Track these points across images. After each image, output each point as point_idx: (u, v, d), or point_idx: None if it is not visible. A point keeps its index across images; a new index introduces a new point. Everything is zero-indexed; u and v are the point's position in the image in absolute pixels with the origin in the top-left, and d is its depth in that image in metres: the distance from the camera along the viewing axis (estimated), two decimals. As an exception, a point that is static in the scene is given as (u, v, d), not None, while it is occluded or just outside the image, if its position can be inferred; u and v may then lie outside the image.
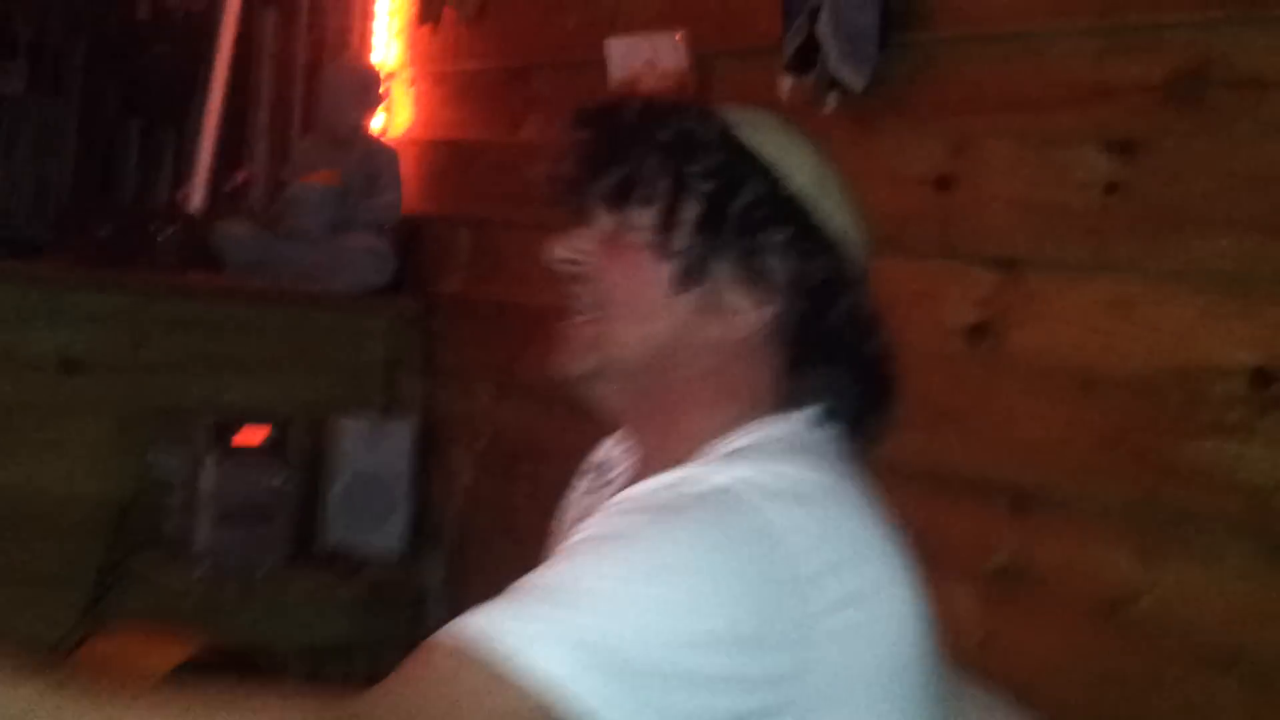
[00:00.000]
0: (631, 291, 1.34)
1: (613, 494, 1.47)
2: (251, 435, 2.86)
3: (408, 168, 3.15)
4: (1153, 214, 1.85)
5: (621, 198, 1.35)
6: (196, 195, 3.07)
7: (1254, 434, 1.73)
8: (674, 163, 1.33)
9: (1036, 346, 1.97)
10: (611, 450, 1.55)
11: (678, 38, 2.52)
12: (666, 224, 1.32)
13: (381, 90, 3.16)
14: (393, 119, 3.26)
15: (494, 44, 3.03)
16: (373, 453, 3.05)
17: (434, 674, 1.11)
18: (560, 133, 1.40)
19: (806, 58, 2.24)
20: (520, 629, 1.09)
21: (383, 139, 3.19)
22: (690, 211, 1.32)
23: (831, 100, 2.22)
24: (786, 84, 2.29)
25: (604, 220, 1.36)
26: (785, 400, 1.35)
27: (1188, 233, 1.81)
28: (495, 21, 3.03)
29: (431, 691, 1.10)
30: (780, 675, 1.15)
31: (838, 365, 1.35)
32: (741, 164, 1.34)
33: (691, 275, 1.32)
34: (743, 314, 1.33)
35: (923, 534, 2.06)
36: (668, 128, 1.35)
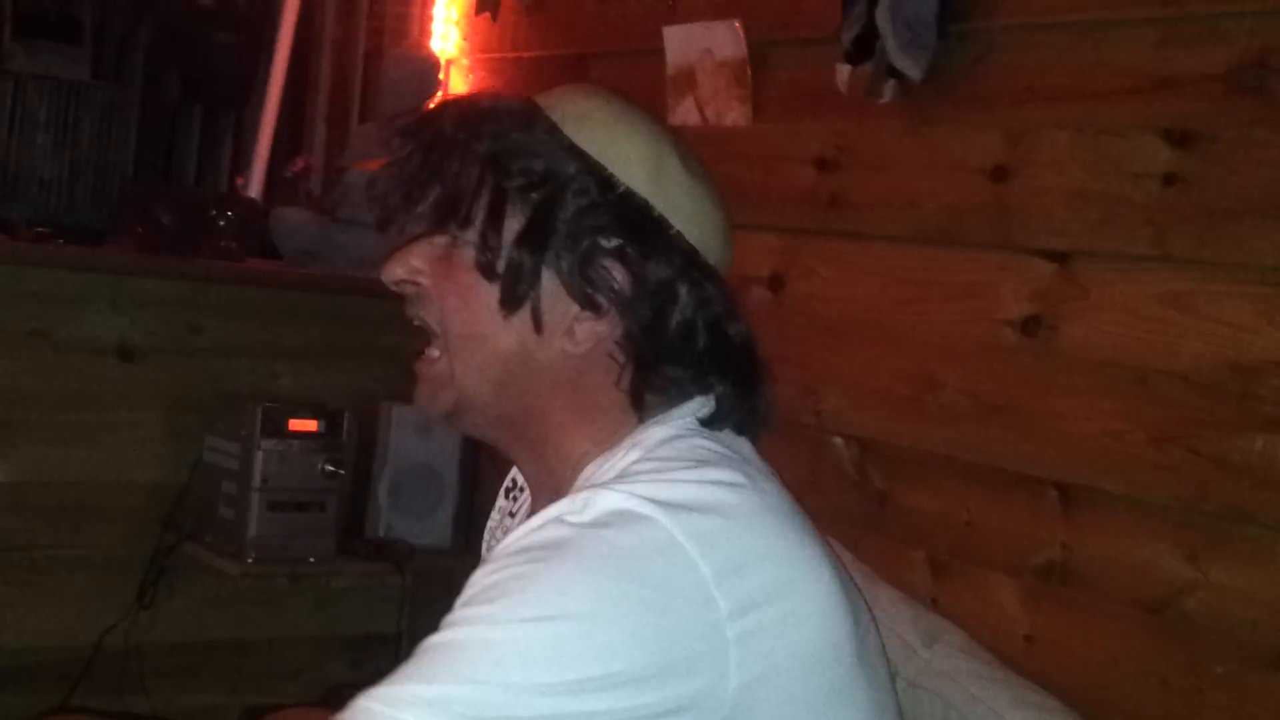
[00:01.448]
0: (466, 317, 1.30)
1: (517, 519, 1.46)
2: (304, 423, 2.87)
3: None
4: (1211, 206, 1.81)
5: (444, 217, 1.29)
6: (255, 182, 3.08)
7: (1309, 430, 1.69)
8: (493, 175, 1.28)
9: (1091, 340, 1.94)
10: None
11: (736, 25, 2.50)
12: (487, 243, 1.27)
13: (440, 78, 3.16)
14: (452, 109, 3.26)
15: (552, 32, 3.02)
16: (423, 442, 3.05)
17: None
18: (383, 151, 1.35)
19: (864, 46, 2.21)
20: (408, 697, 1.09)
21: (441, 128, 3.18)
22: (513, 226, 1.27)
23: (889, 90, 2.20)
24: (844, 73, 2.27)
25: (435, 237, 1.31)
26: (650, 407, 1.31)
27: (1246, 225, 1.78)
28: (553, 10, 3.02)
29: None
30: (697, 694, 1.12)
31: (694, 363, 1.30)
32: (566, 168, 1.27)
33: (519, 294, 1.27)
34: (582, 326, 1.29)
35: (970, 528, 2.06)
36: (486, 137, 1.28)
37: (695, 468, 1.23)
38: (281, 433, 2.83)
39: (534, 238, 1.27)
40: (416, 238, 1.33)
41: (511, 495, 1.55)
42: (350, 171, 3.06)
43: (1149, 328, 1.87)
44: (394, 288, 1.34)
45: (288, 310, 3.07)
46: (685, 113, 2.61)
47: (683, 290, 1.29)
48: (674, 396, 1.31)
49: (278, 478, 2.83)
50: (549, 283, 1.28)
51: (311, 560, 2.90)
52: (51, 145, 2.80)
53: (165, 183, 3.01)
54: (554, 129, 1.29)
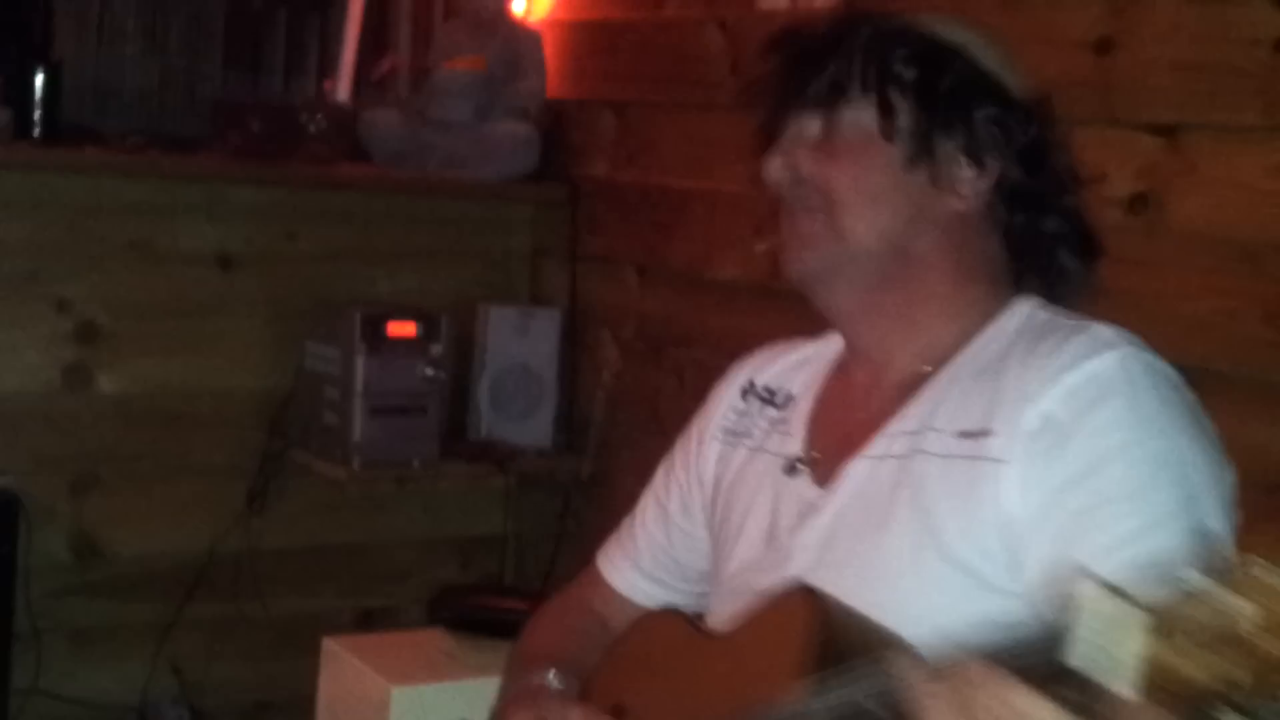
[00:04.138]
0: (860, 180, 1.39)
1: (796, 414, 1.50)
2: (402, 327, 2.87)
3: (551, 50, 3.11)
4: (1324, 71, 1.74)
5: (836, 94, 1.40)
6: (343, 85, 3.06)
7: None
8: (877, 57, 1.39)
9: (1200, 216, 1.89)
10: (766, 371, 1.58)
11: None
12: (886, 109, 1.38)
13: (523, -26, 3.11)
14: (535, 1, 3.21)
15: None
16: (520, 343, 3.04)
17: None
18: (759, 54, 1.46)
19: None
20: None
21: (525, 22, 3.14)
22: (905, 97, 1.39)
23: (986, -37, 2.13)
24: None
25: (810, 127, 1.41)
26: (1009, 276, 1.42)
27: (1361, 89, 1.70)
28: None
29: None
30: None
31: (1054, 227, 1.43)
32: (936, 50, 1.41)
33: (920, 153, 1.38)
34: (970, 184, 1.40)
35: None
36: (861, 29, 1.41)
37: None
38: (380, 338, 2.84)
39: (926, 103, 1.39)
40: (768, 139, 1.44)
41: (755, 396, 1.57)
42: (438, 71, 3.03)
43: (1260, 201, 1.81)
44: (776, 187, 1.44)
45: (382, 214, 3.07)
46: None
47: (1045, 154, 1.43)
48: (1001, 286, 1.43)
49: (379, 382, 2.84)
50: (941, 144, 1.39)
51: (416, 464, 2.92)
52: (140, 55, 2.80)
53: (255, 90, 3.00)
54: (912, 25, 1.43)
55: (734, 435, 1.55)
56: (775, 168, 1.43)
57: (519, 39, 3.06)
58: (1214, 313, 1.86)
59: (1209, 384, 1.84)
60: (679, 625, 1.43)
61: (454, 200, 3.10)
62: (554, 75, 3.10)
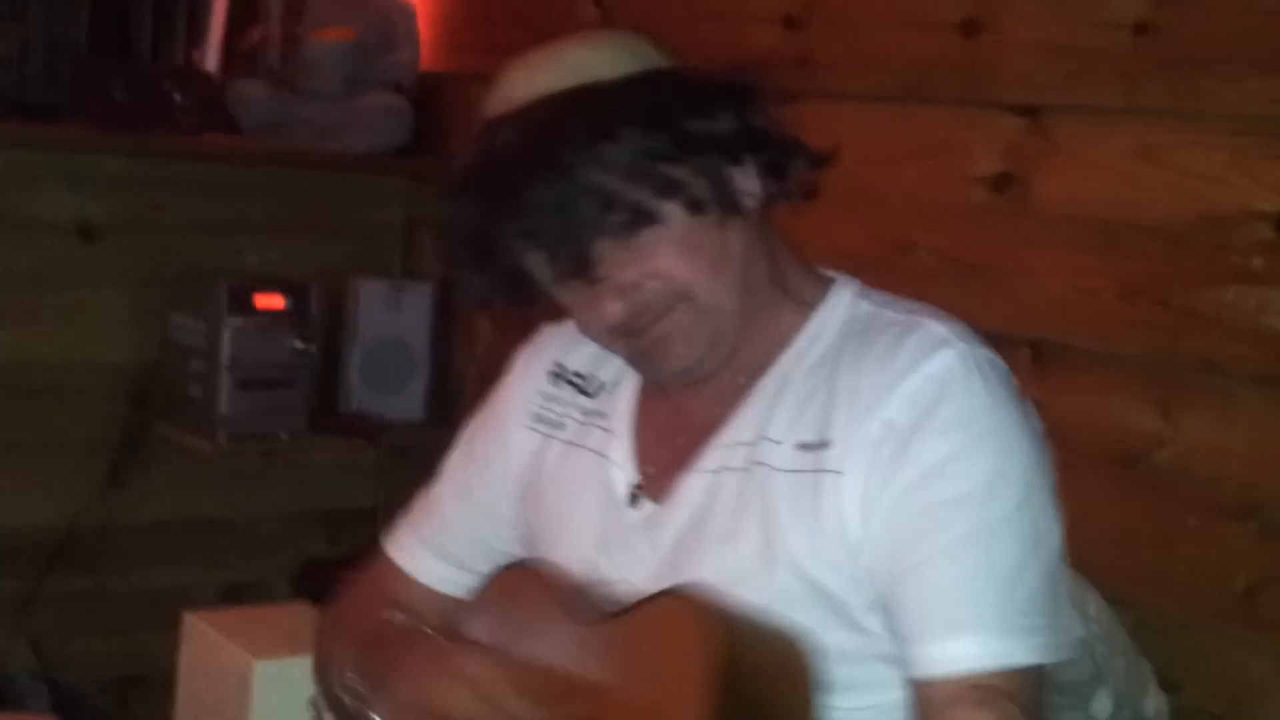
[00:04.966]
0: (698, 261, 1.32)
1: (615, 409, 1.46)
2: (270, 299, 2.84)
3: (424, 22, 3.08)
4: (1183, 55, 1.79)
5: (633, 220, 1.29)
6: (211, 55, 3.01)
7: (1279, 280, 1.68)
8: (625, 161, 1.29)
9: (1062, 195, 1.93)
10: (574, 354, 1.52)
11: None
12: (667, 192, 1.30)
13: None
14: (408, -26, 3.18)
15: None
16: (392, 317, 3.03)
17: None
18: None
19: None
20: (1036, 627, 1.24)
21: (399, -6, 3.12)
22: (660, 165, 1.29)
23: (854, -56, 2.16)
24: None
25: (620, 255, 1.31)
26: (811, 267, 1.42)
27: (1219, 74, 1.75)
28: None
29: None
30: None
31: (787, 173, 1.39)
32: (628, 122, 1.29)
33: (724, 198, 1.33)
34: (753, 194, 1.35)
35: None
36: (584, 150, 1.28)
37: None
38: (248, 310, 2.81)
39: (668, 160, 1.30)
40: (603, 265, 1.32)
41: (565, 381, 1.52)
42: (308, 41, 2.99)
43: (1121, 181, 1.85)
44: (628, 320, 1.33)
45: (250, 185, 3.03)
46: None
47: (763, 127, 1.37)
48: (810, 273, 1.43)
49: (246, 355, 2.81)
50: (704, 178, 1.32)
51: (284, 437, 2.89)
52: (1, 22, 2.73)
53: (119, 58, 2.94)
54: (601, 85, 1.32)
55: (546, 425, 1.51)
56: (616, 312, 1.32)
57: (391, 10, 3.04)
58: (1073, 290, 1.90)
59: (1068, 359, 1.91)
60: (548, 589, 1.37)
61: (324, 173, 3.06)
62: (427, 47, 3.08)
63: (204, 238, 2.98)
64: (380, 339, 3.03)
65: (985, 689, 1.19)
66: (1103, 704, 1.58)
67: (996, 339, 1.91)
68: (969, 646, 1.19)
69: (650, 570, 1.36)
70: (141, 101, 2.83)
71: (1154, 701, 1.66)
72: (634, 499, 1.40)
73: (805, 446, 1.30)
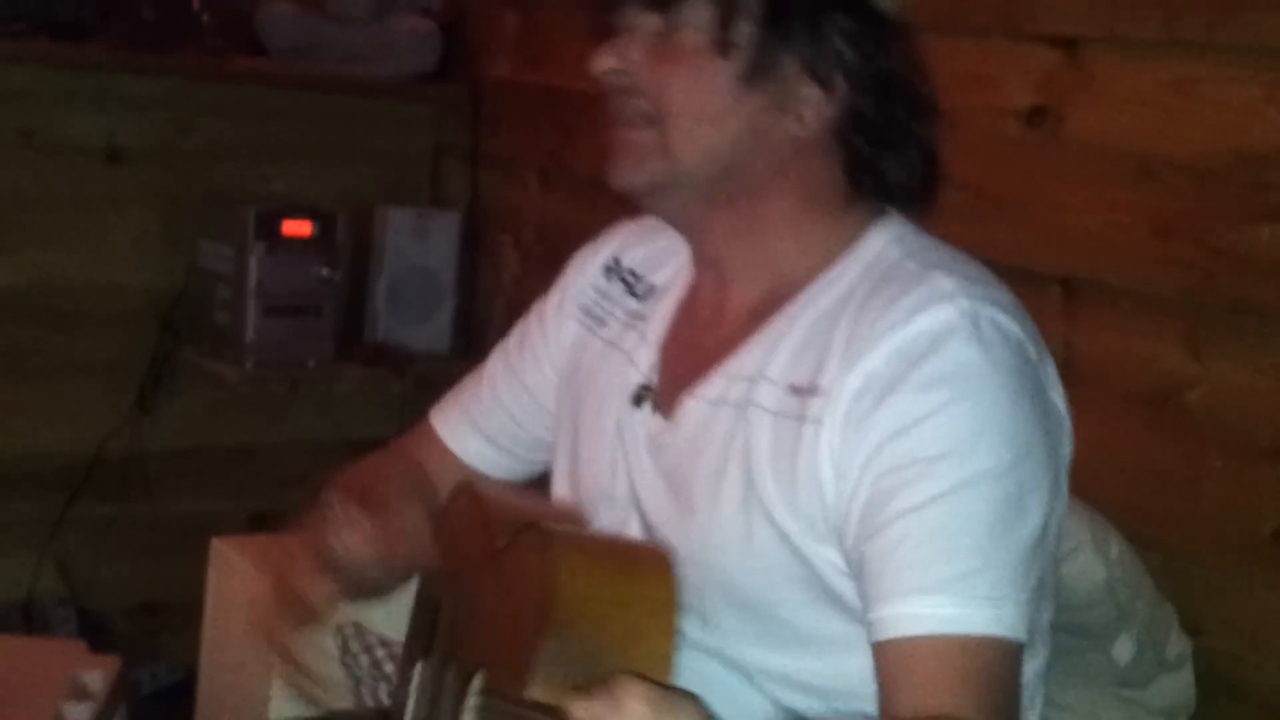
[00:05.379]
0: (693, 95, 1.29)
1: (659, 306, 1.44)
2: (297, 226, 2.83)
3: (454, -54, 3.06)
4: (1223, -14, 1.75)
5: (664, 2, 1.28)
6: (241, -25, 3.00)
7: (1315, 219, 1.65)
8: None
9: (1096, 129, 1.89)
10: (634, 251, 1.51)
11: None
12: (726, 17, 1.27)
13: None
14: (439, -101, 3.15)
15: None
16: (419, 245, 3.01)
17: None
18: None
19: None
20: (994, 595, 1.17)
21: (429, -82, 3.09)
22: (749, 3, 1.27)
23: None
24: None
25: (650, 22, 1.30)
26: (860, 202, 1.33)
27: (1257, 8, 1.71)
28: None
29: None
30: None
31: (900, 155, 1.32)
32: None
33: (759, 70, 1.27)
34: (814, 107, 1.29)
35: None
36: None
37: (976, 264, 1.31)
38: (275, 236, 2.80)
39: (773, 14, 1.27)
40: (624, 30, 1.31)
41: (618, 277, 1.51)
42: (339, -36, 2.97)
43: (1155, 116, 1.81)
44: (603, 79, 1.32)
45: (277, 110, 3.02)
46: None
47: (902, 80, 1.31)
48: (859, 210, 1.33)
49: (273, 282, 2.81)
50: (785, 61, 1.28)
51: (310, 365, 2.89)
52: (31, -59, 2.72)
53: (148, -22, 2.93)
54: None
55: (591, 318, 1.50)
56: (606, 63, 1.31)
57: (421, -66, 3.01)
58: (1105, 226, 1.87)
59: (1099, 296, 1.88)
60: (474, 517, 1.35)
61: (352, 98, 3.04)
62: (456, -29, 3.06)
63: (231, 162, 2.98)
64: (407, 268, 3.01)
65: (943, 654, 1.14)
66: (1124, 647, 1.56)
67: (1027, 275, 1.90)
68: (926, 608, 1.14)
69: (653, 486, 1.35)
70: (169, 21, 2.83)
71: (1177, 644, 1.64)
72: (639, 400, 1.39)
73: (795, 390, 1.26)
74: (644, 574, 1.14)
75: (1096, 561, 1.52)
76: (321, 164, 3.05)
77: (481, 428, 1.60)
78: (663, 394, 1.38)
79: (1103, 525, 1.58)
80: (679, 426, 1.34)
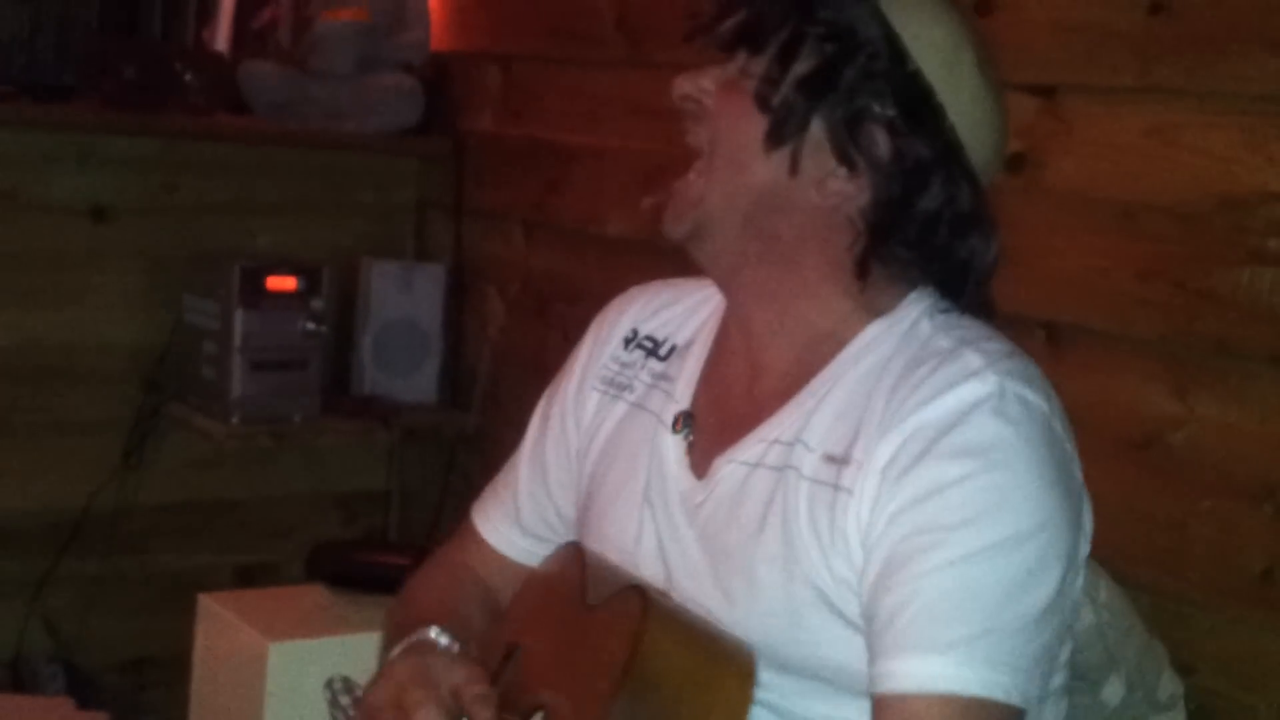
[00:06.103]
0: (732, 140, 1.33)
1: (683, 371, 1.45)
2: (282, 281, 2.84)
3: (435, 2, 3.08)
4: (1198, 34, 1.77)
5: (738, 41, 1.34)
6: (222, 34, 3.01)
7: (1295, 261, 1.67)
8: (797, 15, 1.31)
9: (1076, 176, 1.91)
10: (650, 319, 1.53)
11: None
12: (772, 76, 1.31)
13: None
14: (419, -47, 3.17)
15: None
16: (405, 298, 3.02)
17: None
18: None
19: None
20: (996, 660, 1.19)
21: (409, -27, 3.11)
22: (799, 69, 1.30)
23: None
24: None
25: (729, 64, 1.35)
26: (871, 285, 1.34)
27: (1234, 54, 1.74)
28: None
29: None
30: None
31: (926, 255, 1.33)
32: (868, 30, 1.30)
33: (786, 132, 1.30)
34: (833, 183, 1.31)
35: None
36: None
37: (1003, 340, 1.33)
38: (260, 291, 2.81)
39: (815, 84, 1.30)
40: (710, 62, 1.37)
41: (638, 345, 1.52)
42: (319, 21, 2.98)
43: (1135, 162, 1.84)
44: (678, 102, 1.37)
45: (262, 166, 3.03)
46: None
47: (937, 180, 1.31)
48: (892, 280, 1.35)
49: (258, 337, 2.81)
50: (816, 131, 1.30)
51: (296, 419, 2.89)
52: (12, 2, 2.73)
53: (130, 36, 2.93)
54: None
55: (614, 387, 1.51)
56: (682, 88, 1.37)
57: (402, -11, 3.03)
58: (1088, 270, 1.89)
59: (1083, 340, 1.90)
60: (573, 573, 1.39)
61: (335, 153, 3.06)
62: (438, 27, 3.07)
63: (215, 218, 2.98)
64: (393, 320, 3.02)
65: (939, 712, 1.16)
66: (1114, 689, 1.57)
67: (1011, 320, 1.91)
68: (926, 666, 1.16)
69: (685, 546, 1.36)
70: (152, 81, 2.84)
71: (1168, 685, 1.65)
72: (676, 426, 1.41)
73: (831, 459, 1.28)
74: (727, 663, 1.20)
75: (1085, 606, 1.53)
76: (306, 219, 3.07)
77: (524, 524, 1.60)
78: (696, 453, 1.40)
79: (1092, 569, 1.58)
80: (715, 487, 1.36)
